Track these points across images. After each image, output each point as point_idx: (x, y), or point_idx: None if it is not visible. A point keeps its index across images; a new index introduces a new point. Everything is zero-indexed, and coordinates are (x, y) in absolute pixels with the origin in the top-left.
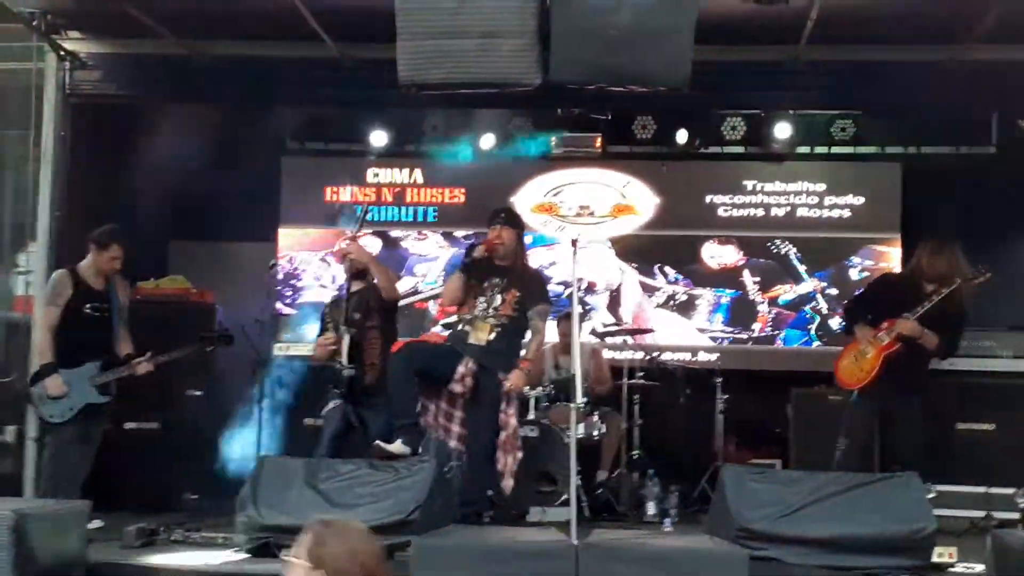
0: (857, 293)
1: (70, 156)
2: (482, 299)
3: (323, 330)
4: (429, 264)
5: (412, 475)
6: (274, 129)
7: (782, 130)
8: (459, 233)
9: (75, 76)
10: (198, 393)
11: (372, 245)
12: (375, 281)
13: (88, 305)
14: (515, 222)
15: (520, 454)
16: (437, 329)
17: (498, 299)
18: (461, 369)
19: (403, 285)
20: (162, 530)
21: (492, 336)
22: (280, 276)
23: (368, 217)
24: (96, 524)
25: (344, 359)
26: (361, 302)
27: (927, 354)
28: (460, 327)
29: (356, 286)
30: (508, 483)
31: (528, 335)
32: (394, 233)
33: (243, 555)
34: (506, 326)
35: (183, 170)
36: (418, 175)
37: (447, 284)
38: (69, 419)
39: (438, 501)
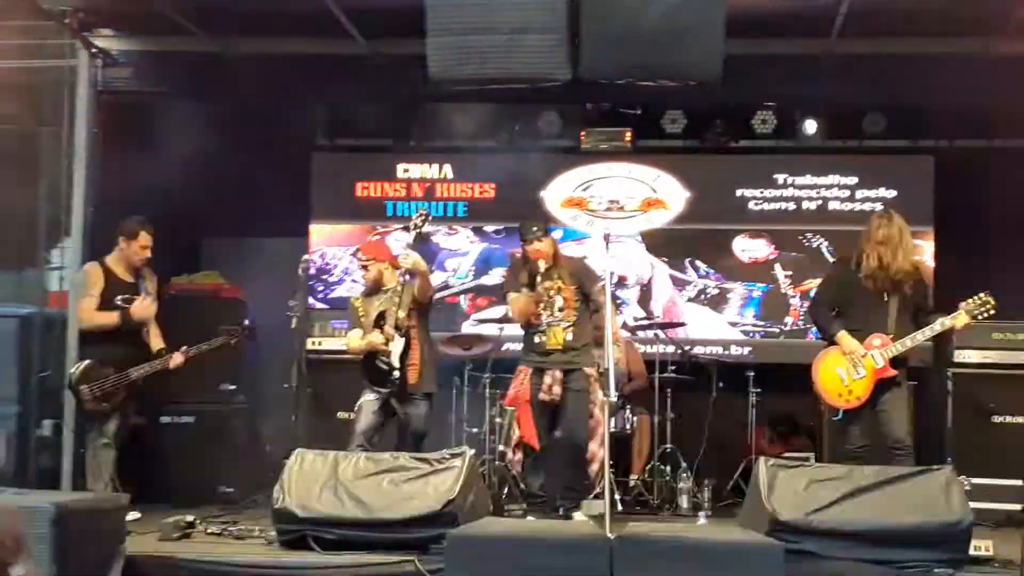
0: (817, 293)
1: (102, 152)
2: (543, 307)
3: (354, 323)
4: (460, 259)
5: (446, 468)
6: (304, 125)
7: (813, 124)
8: (489, 228)
9: (107, 73)
10: (231, 387)
11: (402, 241)
12: (415, 282)
13: (119, 297)
14: (548, 231)
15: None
16: (468, 323)
17: (558, 301)
18: (548, 380)
19: (434, 280)
20: (199, 523)
21: (569, 337)
22: (312, 271)
23: (425, 226)
24: (134, 516)
25: (395, 360)
26: (402, 304)
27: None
28: (536, 340)
29: (387, 285)
30: (595, 468)
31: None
32: (424, 228)
33: (279, 547)
34: (575, 322)
35: (214, 166)
36: (448, 170)
37: (516, 305)
38: (108, 413)
39: (472, 494)
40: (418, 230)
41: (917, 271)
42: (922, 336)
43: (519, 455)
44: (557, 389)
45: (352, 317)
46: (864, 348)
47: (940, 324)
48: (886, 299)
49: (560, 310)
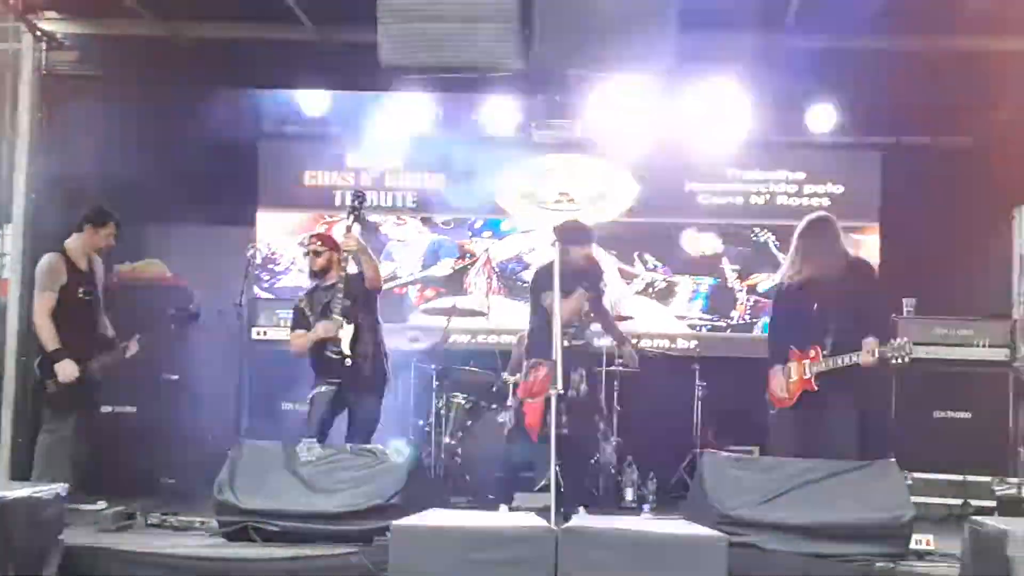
0: (772, 321)
1: (46, 137)
2: None
3: (298, 323)
4: (407, 249)
5: (391, 460)
6: (252, 112)
7: (763, 117)
8: (438, 218)
9: (51, 57)
10: (174, 377)
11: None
12: (362, 271)
13: (80, 289)
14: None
15: None
16: (415, 315)
17: (586, 306)
18: (576, 378)
19: (382, 270)
20: (139, 514)
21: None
22: (258, 261)
23: (363, 206)
24: (100, 506)
25: (345, 348)
26: (348, 293)
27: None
28: (567, 343)
29: (327, 282)
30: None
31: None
32: (372, 218)
33: (220, 539)
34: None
35: (160, 152)
36: (397, 160)
37: (568, 304)
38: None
39: (418, 486)
40: (356, 212)
41: (851, 273)
42: (844, 361)
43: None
44: (584, 387)
45: (297, 318)
46: (801, 356)
47: (851, 358)
48: (822, 309)
49: (587, 315)
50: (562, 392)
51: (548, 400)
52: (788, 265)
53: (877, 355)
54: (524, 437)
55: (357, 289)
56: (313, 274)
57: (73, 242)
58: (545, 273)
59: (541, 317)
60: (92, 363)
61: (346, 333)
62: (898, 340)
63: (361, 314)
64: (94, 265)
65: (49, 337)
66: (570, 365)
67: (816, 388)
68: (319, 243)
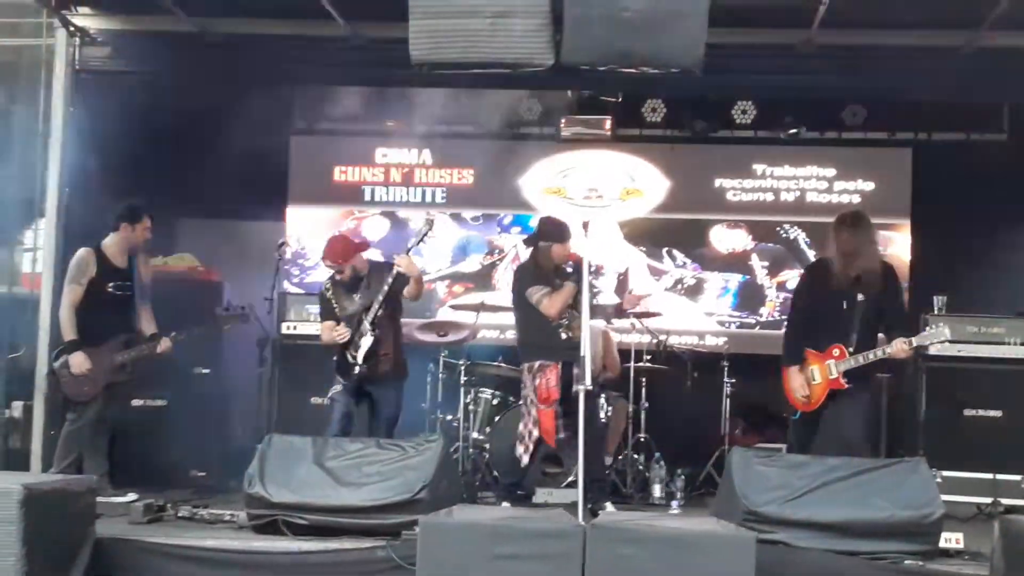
0: (790, 313)
1: (79, 132)
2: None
3: (327, 313)
4: (436, 245)
5: (419, 454)
6: (283, 108)
7: (793, 114)
8: (467, 214)
9: (85, 52)
10: (205, 371)
11: (380, 226)
12: (412, 287)
13: (111, 284)
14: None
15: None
16: (445, 311)
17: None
18: (576, 371)
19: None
20: (169, 507)
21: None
22: (288, 256)
23: (429, 236)
24: (131, 497)
25: (360, 356)
26: (384, 300)
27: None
28: (563, 335)
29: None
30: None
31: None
32: (402, 213)
33: (249, 532)
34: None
35: (192, 148)
36: (427, 156)
37: (559, 298)
38: (92, 397)
39: (445, 480)
40: (422, 236)
41: (883, 274)
42: (873, 356)
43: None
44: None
45: (324, 308)
46: (822, 357)
47: (883, 350)
48: (849, 307)
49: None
50: (590, 388)
51: (557, 404)
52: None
53: (913, 344)
54: (543, 445)
55: (392, 294)
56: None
57: (110, 240)
58: (526, 271)
59: (530, 314)
60: (117, 356)
61: (365, 342)
62: (934, 327)
63: (387, 315)
64: (138, 264)
65: (67, 328)
66: (573, 359)
67: (847, 386)
68: (335, 265)
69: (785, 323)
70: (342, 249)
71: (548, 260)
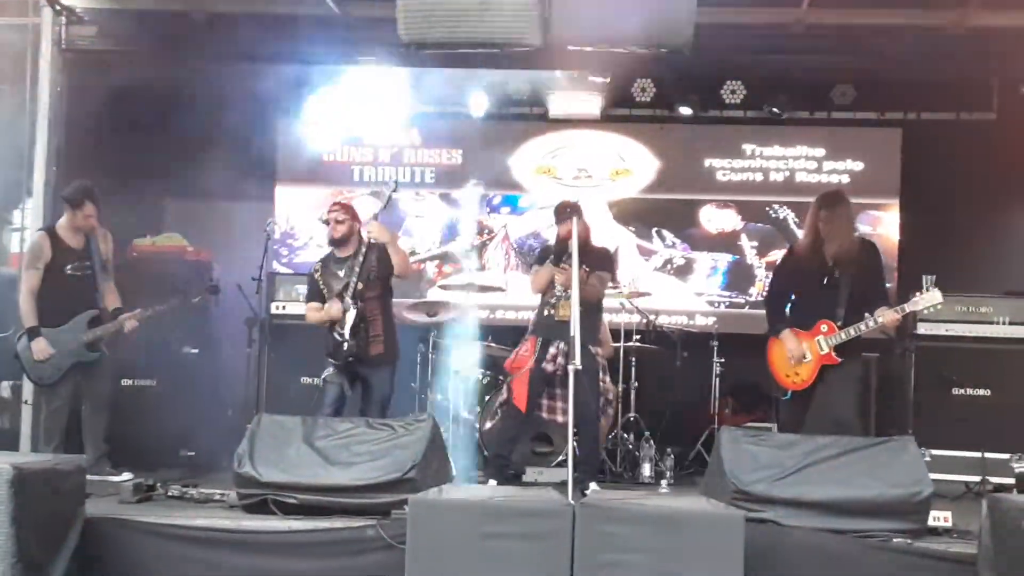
0: (770, 284)
1: (66, 112)
2: (558, 281)
3: (313, 294)
4: (426, 224)
5: (409, 434)
6: (272, 87)
7: (782, 94)
8: (456, 194)
9: (71, 31)
10: (194, 351)
11: (368, 206)
12: (384, 256)
13: (69, 266)
14: (582, 214)
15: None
16: (434, 291)
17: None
18: (552, 350)
19: (402, 245)
20: (159, 486)
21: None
22: (277, 236)
23: (395, 193)
24: (125, 477)
25: (347, 332)
26: (363, 272)
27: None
28: (545, 312)
29: (343, 252)
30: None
31: None
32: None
33: (239, 511)
34: (586, 302)
35: (180, 127)
36: (415, 136)
37: (538, 276)
38: (59, 379)
39: (435, 460)
40: (388, 199)
41: (864, 252)
42: (864, 327)
43: (493, 422)
44: (560, 360)
45: (311, 288)
46: (810, 335)
47: (874, 321)
48: (833, 284)
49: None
50: (579, 368)
51: (531, 374)
52: (803, 236)
53: (905, 310)
54: (515, 411)
55: (376, 271)
56: (332, 241)
57: (62, 221)
58: (541, 250)
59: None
60: (82, 335)
61: (349, 316)
62: (926, 291)
63: (372, 295)
64: (94, 242)
65: (27, 315)
66: (552, 335)
67: (839, 360)
68: (341, 210)
69: (764, 300)
70: (350, 205)
71: (557, 240)
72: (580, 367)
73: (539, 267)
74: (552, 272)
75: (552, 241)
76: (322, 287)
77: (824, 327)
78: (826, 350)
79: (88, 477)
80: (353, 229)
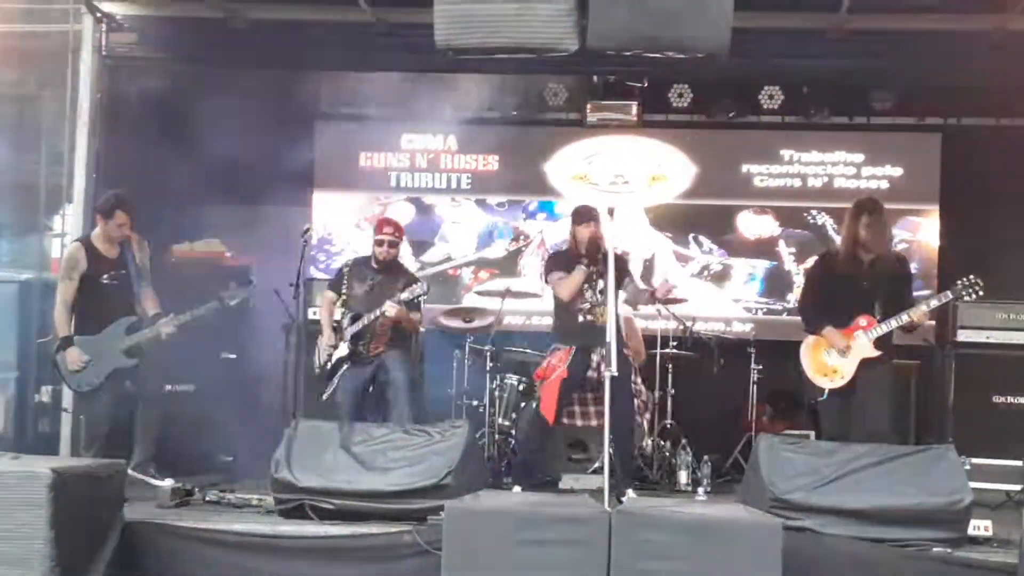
0: (805, 287)
1: (105, 119)
2: (587, 288)
3: (335, 285)
4: (462, 230)
5: (445, 440)
6: (309, 93)
7: (820, 99)
8: (492, 200)
9: (111, 38)
10: (232, 356)
11: (405, 212)
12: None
13: (105, 275)
14: (600, 218)
15: (648, 415)
16: (470, 297)
17: (600, 283)
18: (595, 358)
19: (436, 252)
20: (197, 491)
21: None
22: (314, 241)
23: (424, 299)
24: (168, 482)
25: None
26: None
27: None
28: (581, 318)
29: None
30: (648, 442)
31: None
32: (427, 199)
33: (276, 516)
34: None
35: (219, 133)
36: (452, 142)
37: (571, 281)
38: (99, 386)
39: (471, 466)
40: (415, 298)
41: (897, 262)
42: (907, 317)
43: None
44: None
45: (335, 280)
46: (850, 331)
47: (908, 314)
48: (870, 289)
49: (602, 292)
50: (616, 374)
51: (562, 383)
52: (842, 242)
53: (941, 301)
54: (543, 421)
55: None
56: (377, 261)
57: (96, 231)
58: (552, 257)
59: (554, 299)
60: (118, 343)
61: (338, 352)
62: (964, 279)
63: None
64: (128, 250)
65: (60, 325)
66: (592, 344)
67: (879, 354)
68: (396, 234)
69: (799, 303)
70: (399, 225)
71: (574, 244)
72: (616, 374)
73: (563, 273)
74: (585, 275)
75: (564, 247)
76: (344, 282)
77: (863, 321)
78: (866, 343)
79: (131, 473)
80: (398, 252)
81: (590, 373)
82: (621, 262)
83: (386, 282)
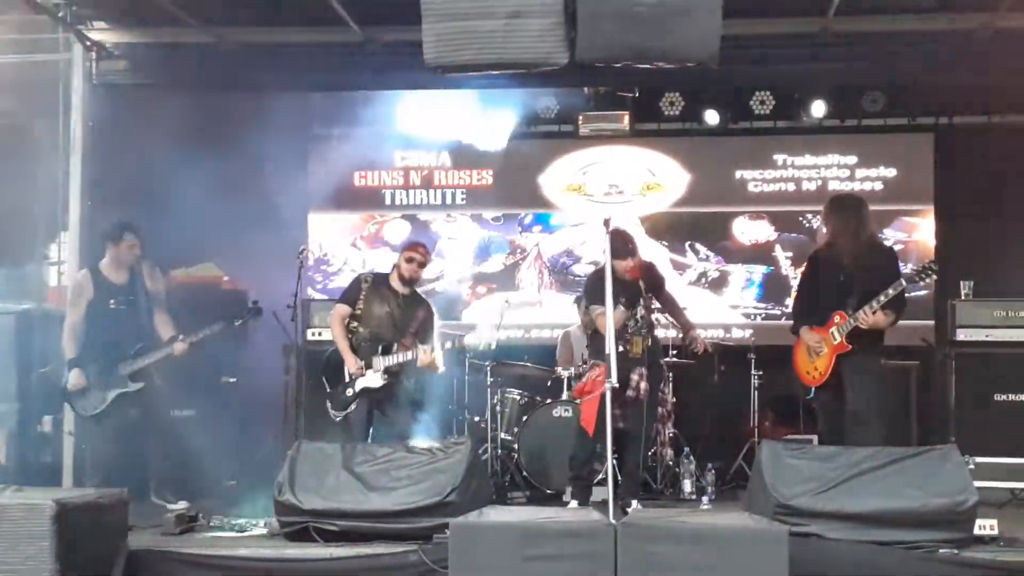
0: (797, 290)
1: (98, 145)
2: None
3: (350, 298)
4: (458, 246)
5: (448, 457)
6: (301, 114)
7: (812, 103)
8: (488, 215)
9: (102, 66)
10: (232, 380)
11: (401, 229)
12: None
13: (112, 300)
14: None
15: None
16: (469, 312)
17: (640, 310)
18: (635, 377)
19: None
20: (201, 516)
21: (649, 343)
22: (310, 262)
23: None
24: (182, 505)
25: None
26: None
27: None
28: (619, 347)
29: (401, 288)
30: (668, 450)
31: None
32: (423, 216)
33: (281, 539)
34: (651, 327)
35: (212, 157)
36: (445, 158)
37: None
38: (103, 411)
39: (474, 482)
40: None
41: (873, 254)
42: (870, 309)
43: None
44: (644, 385)
45: (351, 291)
46: (826, 328)
47: (875, 303)
48: (847, 283)
49: (641, 318)
50: (616, 387)
51: (602, 398)
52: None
53: (896, 290)
54: (584, 434)
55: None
56: (403, 280)
57: (104, 259)
58: (593, 283)
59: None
60: (125, 366)
61: (367, 380)
62: (917, 264)
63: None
64: (138, 276)
65: (66, 347)
66: (630, 366)
67: (850, 347)
68: (425, 255)
69: (793, 312)
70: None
71: (615, 274)
72: (616, 384)
73: (602, 308)
74: (625, 316)
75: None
76: (361, 296)
77: (837, 318)
78: (838, 339)
79: (153, 500)
80: (421, 275)
81: (629, 392)
82: (654, 276)
83: (407, 312)
